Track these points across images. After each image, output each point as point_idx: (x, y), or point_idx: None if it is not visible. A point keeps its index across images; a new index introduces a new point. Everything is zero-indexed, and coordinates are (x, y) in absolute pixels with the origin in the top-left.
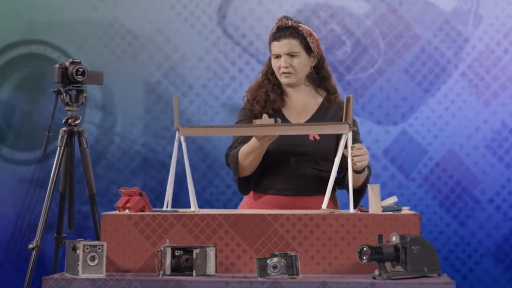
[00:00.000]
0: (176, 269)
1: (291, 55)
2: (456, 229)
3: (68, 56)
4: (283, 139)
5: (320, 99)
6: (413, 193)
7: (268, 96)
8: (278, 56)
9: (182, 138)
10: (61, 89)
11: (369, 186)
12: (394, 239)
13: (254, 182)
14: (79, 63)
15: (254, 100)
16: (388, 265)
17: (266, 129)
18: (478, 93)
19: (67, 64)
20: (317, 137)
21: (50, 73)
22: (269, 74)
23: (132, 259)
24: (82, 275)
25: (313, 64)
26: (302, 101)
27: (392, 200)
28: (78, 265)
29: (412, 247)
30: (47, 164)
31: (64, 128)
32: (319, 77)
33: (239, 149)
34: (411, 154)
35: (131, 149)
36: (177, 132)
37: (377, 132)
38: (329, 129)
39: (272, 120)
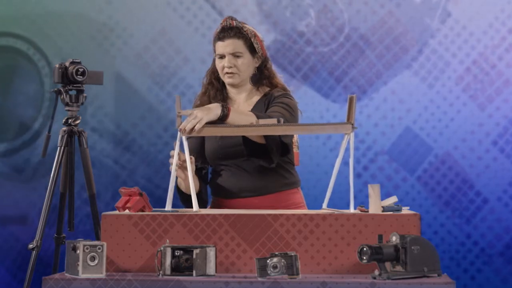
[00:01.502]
0: (176, 269)
1: (236, 55)
2: (463, 228)
3: (38, 49)
4: (224, 142)
5: (258, 97)
6: (418, 192)
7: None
8: (222, 56)
9: (183, 138)
10: (61, 89)
11: (369, 186)
12: (394, 239)
13: (213, 189)
14: (79, 63)
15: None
16: (388, 265)
17: (268, 129)
18: (483, 89)
19: (67, 64)
20: None
21: (20, 65)
22: (213, 78)
23: (132, 259)
24: (82, 275)
25: (257, 65)
26: (243, 103)
27: (392, 200)
28: (78, 265)
29: (412, 247)
30: (41, 162)
31: (64, 128)
32: (262, 77)
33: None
34: (416, 152)
35: (131, 150)
36: (179, 131)
37: (379, 131)
38: (331, 129)
39: (275, 120)
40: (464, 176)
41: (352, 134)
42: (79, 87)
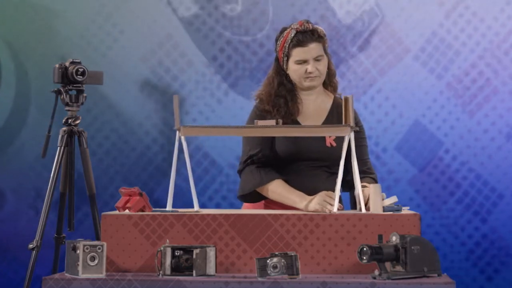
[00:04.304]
0: (176, 269)
1: (317, 59)
2: (478, 227)
3: None
4: (299, 144)
5: (329, 101)
6: (429, 189)
7: (288, 106)
8: (303, 62)
9: (182, 138)
10: (61, 89)
11: (370, 186)
12: (394, 239)
13: None
14: (79, 63)
15: (274, 109)
16: (388, 265)
17: (269, 130)
18: (495, 77)
19: (67, 64)
20: (334, 144)
21: None
22: (285, 79)
23: (132, 259)
24: (82, 275)
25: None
26: (314, 105)
27: (392, 200)
28: (78, 265)
29: (412, 247)
30: (46, 164)
31: (64, 128)
32: (327, 76)
33: (276, 179)
34: (425, 147)
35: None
36: (177, 132)
37: (385, 126)
38: (330, 131)
39: (273, 122)
40: (479, 172)
41: (352, 135)
42: (79, 87)
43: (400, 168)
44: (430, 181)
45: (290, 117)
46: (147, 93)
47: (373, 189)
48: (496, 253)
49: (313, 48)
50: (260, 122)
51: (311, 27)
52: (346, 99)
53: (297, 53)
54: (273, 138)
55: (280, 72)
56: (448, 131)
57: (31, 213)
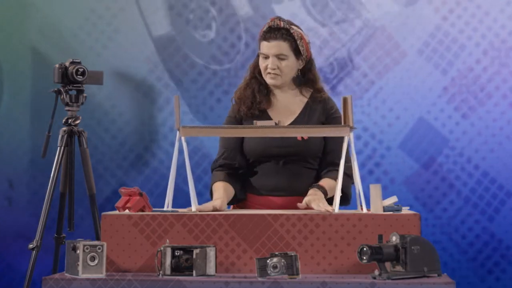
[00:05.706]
0: (176, 269)
1: (280, 57)
2: (486, 226)
3: None
4: (270, 141)
5: (305, 99)
6: (435, 188)
7: (255, 97)
8: (266, 56)
9: (183, 138)
10: (61, 89)
11: (370, 186)
12: (394, 239)
13: (246, 184)
14: (79, 63)
15: (240, 100)
16: (388, 265)
17: (268, 130)
18: (500, 72)
19: (67, 64)
20: (305, 137)
21: None
22: (256, 73)
23: (132, 259)
24: (82, 275)
25: (300, 67)
26: (288, 102)
27: (392, 200)
28: (78, 265)
29: (412, 247)
30: (46, 164)
31: (64, 128)
32: (305, 79)
33: (218, 179)
34: (431, 145)
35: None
36: (177, 132)
37: (389, 124)
38: (329, 131)
39: (273, 122)
40: (485, 169)
41: (351, 135)
42: (79, 87)
43: (404, 166)
44: (436, 179)
45: (257, 107)
46: (143, 92)
47: (373, 189)
48: (505, 253)
49: (276, 45)
50: (260, 123)
51: (281, 25)
52: (345, 100)
53: (262, 47)
54: (243, 139)
55: (256, 65)
56: (453, 128)
57: (5, 204)
